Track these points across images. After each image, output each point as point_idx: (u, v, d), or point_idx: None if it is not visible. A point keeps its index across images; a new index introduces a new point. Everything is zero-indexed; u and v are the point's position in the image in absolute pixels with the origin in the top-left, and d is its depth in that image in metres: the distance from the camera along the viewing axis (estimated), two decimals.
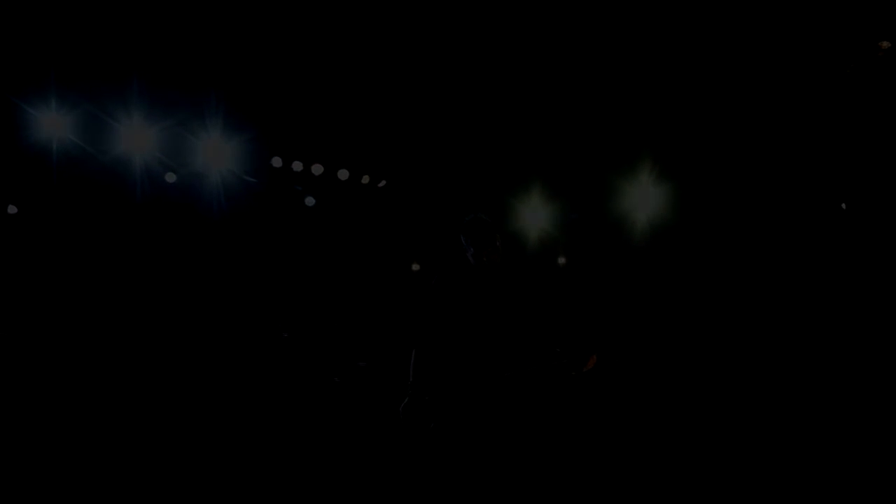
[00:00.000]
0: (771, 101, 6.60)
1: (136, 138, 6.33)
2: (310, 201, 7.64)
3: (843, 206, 6.85)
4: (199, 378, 6.97)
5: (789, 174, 6.95)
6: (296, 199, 7.61)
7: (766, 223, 7.17)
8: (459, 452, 3.12)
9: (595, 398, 5.76)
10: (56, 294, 6.95)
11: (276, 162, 7.22)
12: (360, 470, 5.12)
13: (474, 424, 3.13)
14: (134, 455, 5.45)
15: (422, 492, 4.10)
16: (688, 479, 4.50)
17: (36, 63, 5.79)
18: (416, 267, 8.39)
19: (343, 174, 7.51)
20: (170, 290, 7.37)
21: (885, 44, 5.83)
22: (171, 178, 6.86)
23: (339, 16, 5.91)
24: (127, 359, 6.91)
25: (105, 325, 7.02)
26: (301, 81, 6.65)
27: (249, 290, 7.67)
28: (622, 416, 6.14)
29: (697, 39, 6.12)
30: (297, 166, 7.30)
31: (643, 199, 7.38)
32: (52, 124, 6.07)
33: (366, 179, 7.67)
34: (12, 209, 6.76)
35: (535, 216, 7.84)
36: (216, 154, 6.76)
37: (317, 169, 7.36)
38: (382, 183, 7.83)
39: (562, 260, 8.28)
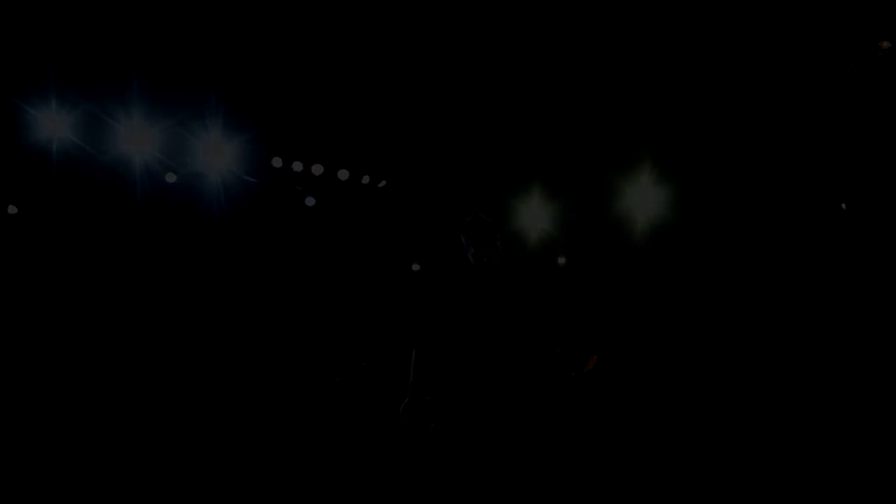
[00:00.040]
0: (771, 101, 6.60)
1: (136, 138, 6.33)
2: (310, 201, 7.65)
3: (843, 206, 6.84)
4: (200, 378, 6.97)
5: (789, 174, 6.94)
6: (296, 199, 7.61)
7: (767, 223, 7.17)
8: (459, 452, 3.12)
9: (595, 399, 5.76)
10: (56, 294, 6.95)
11: (276, 162, 7.22)
12: (361, 470, 5.12)
13: (474, 425, 3.13)
14: (135, 455, 5.45)
15: (422, 492, 4.10)
16: (688, 479, 4.50)
17: (36, 63, 5.78)
18: (416, 267, 8.38)
19: (343, 174, 7.50)
20: (170, 290, 7.37)
21: (885, 44, 5.83)
22: (171, 178, 6.86)
23: (338, 16, 5.91)
24: (128, 359, 6.91)
25: (106, 326, 7.02)
26: (301, 81, 6.65)
27: (250, 291, 7.66)
28: (622, 416, 6.14)
29: (697, 39, 6.12)
30: (298, 166, 7.30)
31: (643, 199, 7.37)
32: (52, 124, 6.06)
33: (366, 179, 7.67)
34: (12, 209, 6.76)
35: (535, 216, 7.83)
36: (216, 154, 6.75)
37: (317, 169, 7.36)
38: (382, 183, 7.82)
39: (562, 260, 8.28)
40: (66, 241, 6.98)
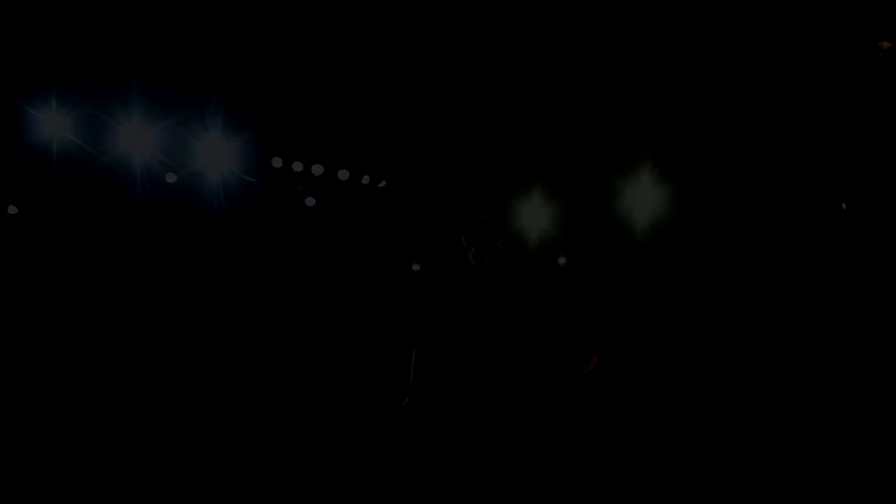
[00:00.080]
0: (771, 102, 6.60)
1: (136, 138, 6.33)
2: (310, 201, 7.65)
3: (844, 206, 6.84)
4: (201, 378, 6.96)
5: (789, 174, 6.94)
6: (296, 199, 7.61)
7: (767, 223, 7.17)
8: (460, 452, 3.12)
9: (596, 399, 5.76)
10: (57, 294, 6.95)
11: (277, 162, 7.22)
12: (361, 469, 5.12)
13: (475, 425, 3.12)
14: (135, 456, 5.45)
15: (422, 492, 4.10)
16: (688, 479, 4.50)
17: (36, 63, 5.79)
18: (416, 267, 8.38)
19: (343, 174, 7.51)
20: (171, 290, 7.37)
21: (886, 44, 5.83)
22: (171, 178, 6.86)
23: (338, 16, 5.91)
24: (128, 359, 6.90)
25: (106, 326, 7.02)
26: (301, 81, 6.65)
27: (250, 291, 7.66)
28: (623, 416, 6.14)
29: (697, 40, 6.12)
30: (298, 166, 7.30)
31: (643, 200, 7.37)
32: (53, 124, 6.06)
33: (366, 180, 7.67)
34: (12, 209, 6.76)
35: (535, 216, 7.84)
36: (216, 154, 6.75)
37: (317, 169, 7.36)
38: (383, 183, 7.82)
39: (562, 260, 8.28)
40: (67, 241, 6.98)
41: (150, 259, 7.30)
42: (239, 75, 6.41)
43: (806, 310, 6.81)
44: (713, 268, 7.44)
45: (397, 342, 7.07)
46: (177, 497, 4.66)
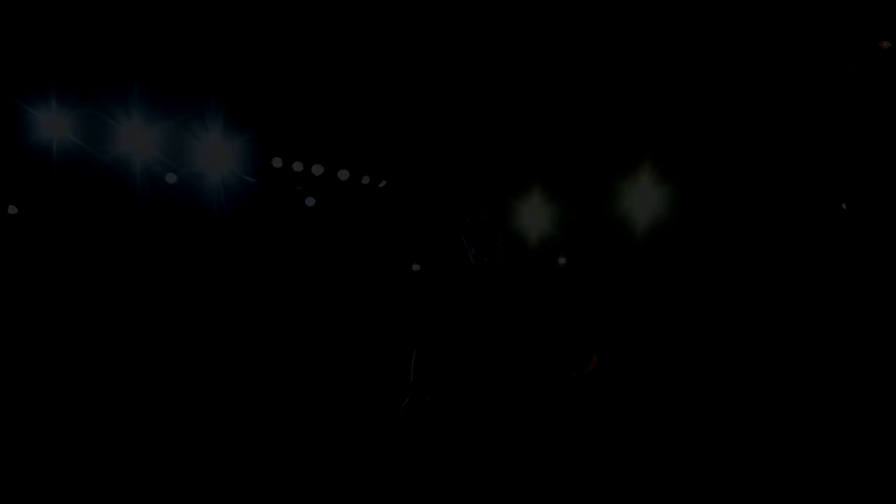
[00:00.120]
0: (771, 102, 6.60)
1: (136, 139, 6.33)
2: (310, 201, 7.65)
3: (844, 206, 6.85)
4: (203, 378, 6.96)
5: (790, 174, 6.94)
6: (296, 199, 7.61)
7: (767, 223, 7.17)
8: (460, 453, 3.12)
9: (596, 399, 5.76)
10: (57, 294, 6.95)
11: (277, 162, 7.22)
12: (362, 469, 5.12)
13: (475, 425, 3.12)
14: (136, 456, 5.45)
15: (422, 492, 4.10)
16: (688, 479, 4.50)
17: (36, 64, 5.78)
18: (416, 267, 8.38)
19: (343, 174, 7.51)
20: (171, 290, 7.37)
21: (886, 44, 5.83)
22: (171, 178, 6.86)
23: (338, 16, 5.91)
24: (129, 359, 6.90)
25: (106, 326, 7.02)
26: (301, 82, 6.65)
27: (250, 291, 7.66)
28: (623, 417, 6.14)
29: (697, 40, 6.12)
30: (298, 167, 7.30)
31: (643, 200, 7.38)
32: (53, 124, 6.06)
33: (366, 180, 7.67)
34: (12, 209, 6.76)
35: (535, 216, 7.84)
36: (216, 154, 6.75)
37: (317, 169, 7.37)
38: (383, 183, 7.82)
39: (562, 260, 8.28)
40: (67, 241, 6.98)
41: (151, 259, 7.30)
42: (239, 76, 6.41)
43: (806, 310, 6.81)
44: (713, 268, 7.45)
45: (398, 342, 7.07)
46: (178, 497, 4.67)
